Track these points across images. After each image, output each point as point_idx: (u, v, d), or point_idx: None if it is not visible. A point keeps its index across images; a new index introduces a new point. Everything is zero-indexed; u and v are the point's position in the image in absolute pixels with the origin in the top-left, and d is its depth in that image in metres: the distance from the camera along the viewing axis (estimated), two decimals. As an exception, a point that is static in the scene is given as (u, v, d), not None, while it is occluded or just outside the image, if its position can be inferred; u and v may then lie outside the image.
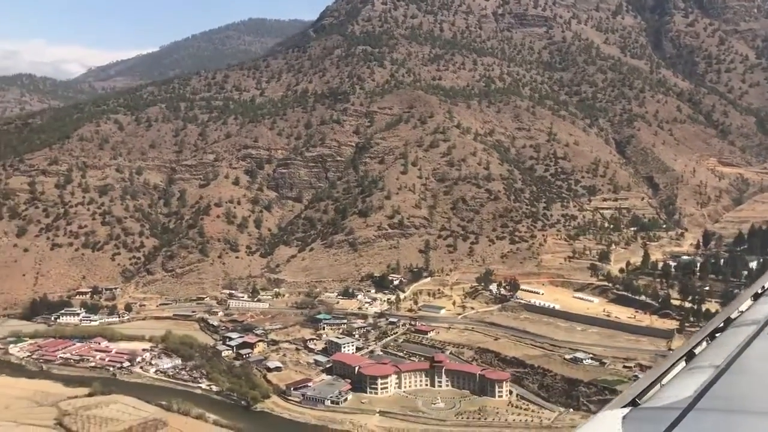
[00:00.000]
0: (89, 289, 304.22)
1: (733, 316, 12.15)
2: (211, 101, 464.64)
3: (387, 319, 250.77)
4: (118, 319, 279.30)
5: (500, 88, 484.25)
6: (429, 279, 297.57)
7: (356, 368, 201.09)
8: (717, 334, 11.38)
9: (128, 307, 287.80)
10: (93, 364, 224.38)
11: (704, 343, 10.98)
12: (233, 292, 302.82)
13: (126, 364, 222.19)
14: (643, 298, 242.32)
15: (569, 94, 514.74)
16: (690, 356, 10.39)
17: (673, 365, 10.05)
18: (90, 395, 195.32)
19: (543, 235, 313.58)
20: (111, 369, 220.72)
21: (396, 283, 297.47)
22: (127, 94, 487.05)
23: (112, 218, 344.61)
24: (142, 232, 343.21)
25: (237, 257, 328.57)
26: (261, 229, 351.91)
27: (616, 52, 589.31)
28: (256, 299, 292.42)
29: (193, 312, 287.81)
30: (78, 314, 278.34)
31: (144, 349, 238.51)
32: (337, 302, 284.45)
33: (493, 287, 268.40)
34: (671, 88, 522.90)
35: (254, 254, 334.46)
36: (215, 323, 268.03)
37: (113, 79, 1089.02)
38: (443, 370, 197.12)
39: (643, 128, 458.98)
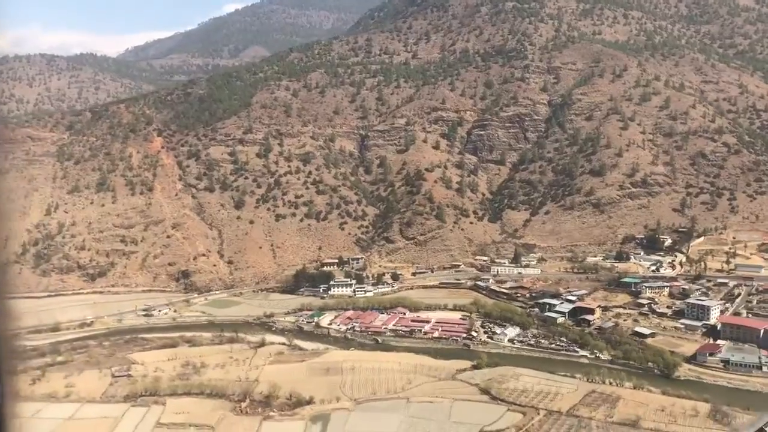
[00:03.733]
0: (334, 260, 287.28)
1: None
2: (367, 65, 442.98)
3: (711, 281, 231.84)
4: (390, 289, 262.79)
5: (661, 41, 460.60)
6: (702, 239, 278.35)
7: (761, 331, 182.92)
8: None
9: (395, 277, 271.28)
10: (435, 335, 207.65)
11: None
12: (490, 258, 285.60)
13: (474, 334, 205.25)
14: None
15: (723, 47, 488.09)
16: None
17: None
18: (476, 367, 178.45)
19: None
20: (457, 339, 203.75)
21: (667, 243, 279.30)
22: (278, 62, 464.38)
23: (325, 187, 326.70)
24: (360, 200, 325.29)
25: (471, 223, 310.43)
26: (476, 194, 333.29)
27: (749, 2, 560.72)
28: (524, 264, 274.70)
29: (457, 280, 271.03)
30: (350, 285, 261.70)
31: (462, 318, 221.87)
32: (612, 265, 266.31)
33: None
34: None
35: (483, 219, 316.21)
36: (503, 290, 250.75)
37: (169, 57, 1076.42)
38: None
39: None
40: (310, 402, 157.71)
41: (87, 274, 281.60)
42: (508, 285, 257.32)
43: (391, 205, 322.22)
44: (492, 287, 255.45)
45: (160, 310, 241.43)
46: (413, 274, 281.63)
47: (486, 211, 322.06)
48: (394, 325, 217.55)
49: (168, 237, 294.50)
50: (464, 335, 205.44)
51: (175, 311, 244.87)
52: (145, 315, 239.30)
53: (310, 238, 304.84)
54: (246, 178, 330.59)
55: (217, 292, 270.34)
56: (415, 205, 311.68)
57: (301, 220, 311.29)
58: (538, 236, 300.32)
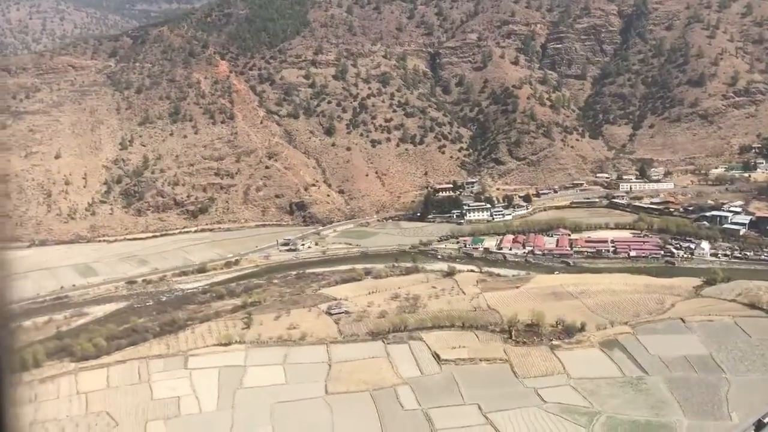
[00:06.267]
0: (448, 185, 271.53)
1: None
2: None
3: None
4: (525, 211, 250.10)
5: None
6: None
7: None
8: None
9: (527, 198, 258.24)
10: (633, 254, 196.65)
11: None
12: (617, 175, 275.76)
13: (674, 251, 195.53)
14: None
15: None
16: (759, 426, 9.15)
17: None
18: (708, 284, 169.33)
19: None
20: (657, 257, 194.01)
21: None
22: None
23: (413, 109, 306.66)
24: (451, 122, 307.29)
25: (576, 140, 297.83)
26: (568, 110, 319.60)
27: None
28: (654, 179, 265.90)
29: (587, 198, 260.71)
30: (486, 209, 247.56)
31: (635, 236, 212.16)
32: (741, 176, 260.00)
33: None
34: None
35: (584, 136, 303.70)
36: (651, 206, 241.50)
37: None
38: None
39: None
40: (582, 329, 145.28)
41: (187, 211, 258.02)
42: (648, 201, 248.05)
43: (484, 125, 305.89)
44: (634, 204, 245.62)
45: (303, 244, 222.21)
46: (535, 195, 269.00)
47: (584, 128, 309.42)
48: (570, 247, 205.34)
49: (267, 168, 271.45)
50: (662, 253, 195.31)
51: (317, 244, 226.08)
52: (288, 250, 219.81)
53: (412, 163, 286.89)
54: (329, 102, 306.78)
55: (340, 223, 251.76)
56: (518, 123, 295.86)
57: (398, 145, 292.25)
58: (650, 150, 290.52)
